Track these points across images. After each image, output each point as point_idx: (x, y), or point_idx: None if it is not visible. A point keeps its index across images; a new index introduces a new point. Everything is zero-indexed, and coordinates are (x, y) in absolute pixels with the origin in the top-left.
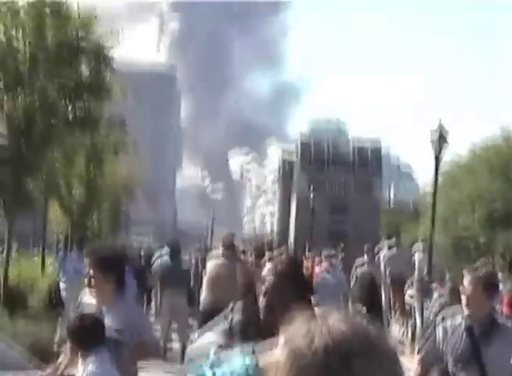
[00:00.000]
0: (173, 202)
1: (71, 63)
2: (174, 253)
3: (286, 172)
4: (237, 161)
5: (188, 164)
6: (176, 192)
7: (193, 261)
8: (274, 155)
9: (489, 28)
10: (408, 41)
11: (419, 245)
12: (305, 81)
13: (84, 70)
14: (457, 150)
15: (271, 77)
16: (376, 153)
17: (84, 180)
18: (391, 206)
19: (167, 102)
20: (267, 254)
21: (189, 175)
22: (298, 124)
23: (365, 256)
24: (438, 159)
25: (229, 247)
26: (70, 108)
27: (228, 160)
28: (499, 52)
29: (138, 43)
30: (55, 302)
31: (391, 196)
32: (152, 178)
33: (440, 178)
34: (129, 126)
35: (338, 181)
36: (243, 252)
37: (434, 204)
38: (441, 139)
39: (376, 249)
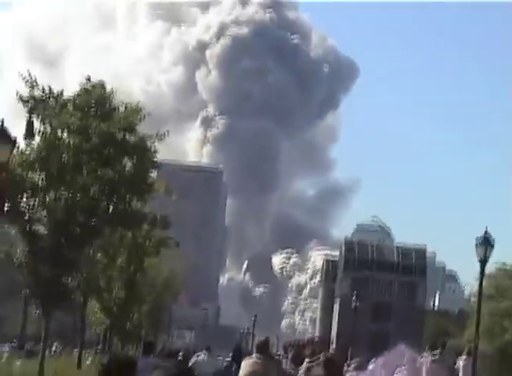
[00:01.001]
0: (215, 301)
1: (114, 161)
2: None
3: (330, 274)
4: (279, 262)
5: (231, 263)
6: (220, 290)
7: None
8: (317, 258)
9: None
10: (450, 144)
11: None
12: (350, 184)
13: (128, 168)
14: (504, 256)
15: (317, 178)
16: (421, 255)
17: (125, 279)
18: (436, 310)
19: (212, 202)
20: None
21: (233, 274)
22: (342, 228)
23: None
24: (483, 262)
25: (264, 349)
26: (111, 206)
27: (271, 261)
28: None
29: (184, 145)
30: None
31: (436, 300)
32: (195, 277)
33: (485, 284)
34: (174, 225)
35: (382, 283)
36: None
37: (478, 310)
38: (486, 243)
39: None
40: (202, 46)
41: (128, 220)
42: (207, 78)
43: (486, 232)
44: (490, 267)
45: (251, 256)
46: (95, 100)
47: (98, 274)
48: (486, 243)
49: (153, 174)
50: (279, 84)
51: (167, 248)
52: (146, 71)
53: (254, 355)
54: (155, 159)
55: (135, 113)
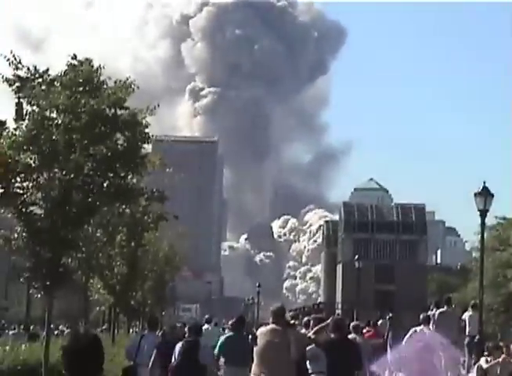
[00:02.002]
0: (218, 272)
1: (106, 137)
2: (238, 328)
3: (330, 237)
4: (279, 228)
5: (232, 233)
6: (222, 261)
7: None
8: (313, 220)
9: None
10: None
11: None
12: (345, 146)
13: (120, 143)
14: (503, 211)
15: (310, 143)
16: (420, 212)
17: (126, 255)
18: (439, 266)
19: (209, 173)
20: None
21: (234, 244)
22: (339, 191)
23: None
24: (483, 213)
25: (280, 317)
26: (106, 182)
27: (271, 228)
28: None
29: (176, 119)
30: None
31: (438, 256)
32: (197, 250)
33: (487, 236)
34: (173, 200)
35: (383, 244)
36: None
37: (481, 262)
38: (485, 192)
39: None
40: (186, 18)
41: (124, 195)
42: (193, 51)
43: (485, 182)
44: (491, 220)
45: (251, 225)
46: (82, 77)
47: (98, 252)
48: (486, 193)
49: (147, 148)
50: (266, 51)
51: (165, 222)
52: (133, 49)
53: (270, 324)
54: (147, 132)
55: (123, 88)
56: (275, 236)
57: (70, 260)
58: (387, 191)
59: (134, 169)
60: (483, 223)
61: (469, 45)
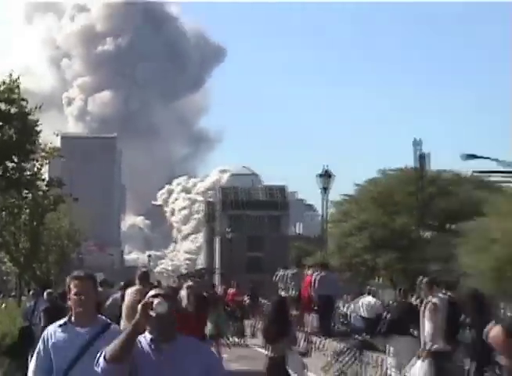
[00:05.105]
0: (119, 246)
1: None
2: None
3: (210, 214)
4: (168, 207)
5: (131, 213)
6: (122, 236)
7: None
8: (198, 197)
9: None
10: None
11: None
12: (219, 132)
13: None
14: (346, 188)
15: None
16: (283, 193)
17: (28, 232)
18: (299, 236)
19: (109, 164)
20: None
21: (133, 222)
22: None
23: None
24: (325, 190)
25: (144, 279)
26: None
27: (163, 207)
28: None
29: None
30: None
31: (298, 228)
32: (101, 228)
33: (334, 211)
34: (79, 185)
35: (253, 219)
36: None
37: (325, 231)
38: (326, 174)
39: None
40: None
41: (22, 181)
42: (72, 67)
43: (324, 166)
44: (336, 197)
45: (148, 206)
46: None
47: (2, 230)
48: (327, 174)
49: (52, 141)
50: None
51: (71, 205)
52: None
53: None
54: (34, 126)
55: (13, 86)
56: (167, 214)
57: None
58: (257, 175)
59: (26, 158)
60: (325, 200)
61: (328, 43)
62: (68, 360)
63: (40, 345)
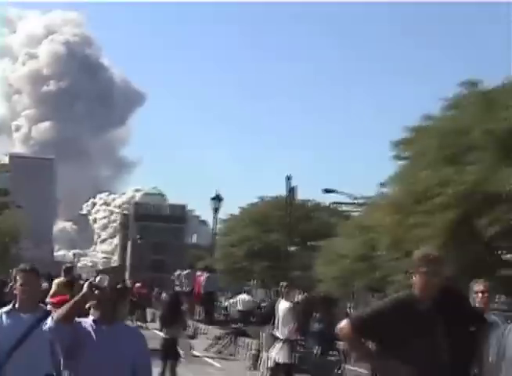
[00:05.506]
0: (51, 244)
1: None
2: None
3: (125, 223)
4: (89, 211)
5: (62, 219)
6: (54, 237)
7: None
8: (115, 209)
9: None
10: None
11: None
12: (136, 159)
13: None
14: (232, 209)
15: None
16: (183, 209)
17: None
18: (195, 244)
19: (47, 180)
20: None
21: (63, 227)
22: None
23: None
24: (216, 210)
25: (68, 272)
26: None
27: (87, 215)
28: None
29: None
30: None
31: (195, 239)
32: (35, 229)
33: (222, 227)
34: (21, 195)
35: (159, 229)
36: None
37: (213, 245)
38: (217, 198)
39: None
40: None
41: None
42: (21, 101)
43: (217, 191)
44: (224, 216)
45: (75, 214)
46: None
47: None
48: (217, 198)
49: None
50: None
51: (9, 210)
52: None
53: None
54: None
55: None
56: (90, 221)
57: None
58: (164, 195)
59: None
60: (216, 217)
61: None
62: (13, 342)
63: None
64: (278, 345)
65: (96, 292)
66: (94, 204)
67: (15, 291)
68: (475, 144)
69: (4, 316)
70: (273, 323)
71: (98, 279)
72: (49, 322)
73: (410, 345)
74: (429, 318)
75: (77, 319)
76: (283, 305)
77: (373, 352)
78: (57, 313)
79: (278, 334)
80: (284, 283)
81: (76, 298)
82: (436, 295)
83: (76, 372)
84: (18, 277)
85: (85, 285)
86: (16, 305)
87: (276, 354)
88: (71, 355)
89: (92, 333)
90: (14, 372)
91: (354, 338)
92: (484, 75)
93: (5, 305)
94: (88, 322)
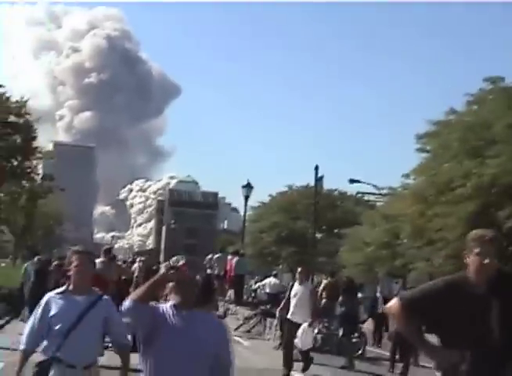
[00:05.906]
0: (90, 227)
1: (9, 135)
2: None
3: (160, 209)
4: (126, 197)
5: (102, 203)
6: (94, 221)
7: None
8: (151, 195)
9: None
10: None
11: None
12: (171, 148)
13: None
14: (262, 197)
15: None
16: (215, 197)
17: (25, 213)
18: (226, 230)
19: (88, 167)
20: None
21: (103, 211)
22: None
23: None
24: (247, 197)
25: (107, 253)
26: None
27: (125, 201)
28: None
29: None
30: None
31: (226, 225)
32: (77, 213)
33: (252, 214)
34: (64, 181)
35: (192, 214)
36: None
37: (244, 230)
38: (248, 186)
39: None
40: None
41: (21, 174)
42: (65, 92)
43: (248, 179)
44: (254, 203)
45: (113, 199)
46: None
47: (4, 210)
48: (248, 186)
49: (46, 146)
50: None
51: (53, 194)
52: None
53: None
54: (34, 135)
55: (22, 104)
56: (127, 206)
57: None
58: (197, 183)
59: (26, 157)
60: (246, 205)
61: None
62: (69, 324)
63: (38, 310)
64: (305, 325)
65: (173, 272)
66: (131, 190)
67: (69, 273)
68: (497, 138)
69: (57, 298)
70: (283, 306)
71: (173, 259)
72: (126, 302)
73: (461, 329)
74: (483, 302)
75: (155, 304)
76: (298, 290)
77: (421, 332)
78: (134, 293)
79: (294, 318)
80: (299, 269)
81: (154, 278)
82: (491, 278)
83: (153, 357)
84: (73, 258)
85: (162, 266)
86: (70, 287)
87: (297, 340)
88: (150, 339)
89: (171, 317)
90: (70, 353)
91: (402, 316)
92: (507, 72)
93: (48, 282)
94: (167, 307)
